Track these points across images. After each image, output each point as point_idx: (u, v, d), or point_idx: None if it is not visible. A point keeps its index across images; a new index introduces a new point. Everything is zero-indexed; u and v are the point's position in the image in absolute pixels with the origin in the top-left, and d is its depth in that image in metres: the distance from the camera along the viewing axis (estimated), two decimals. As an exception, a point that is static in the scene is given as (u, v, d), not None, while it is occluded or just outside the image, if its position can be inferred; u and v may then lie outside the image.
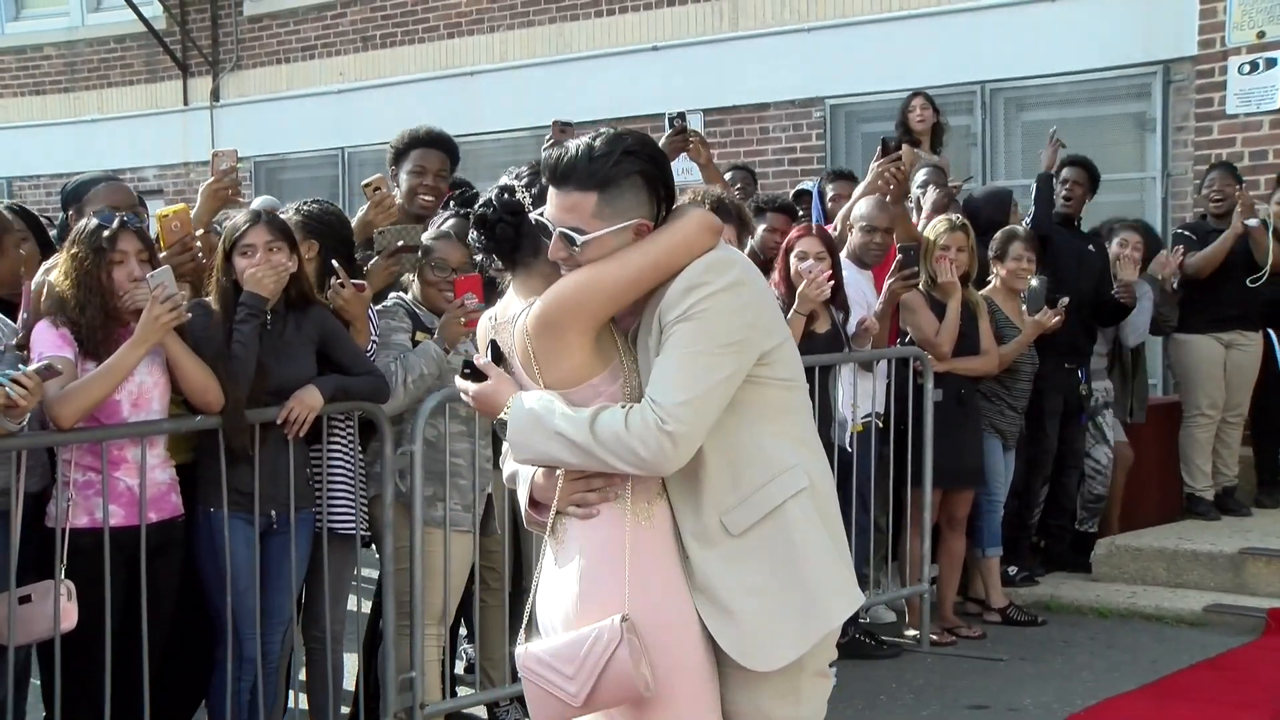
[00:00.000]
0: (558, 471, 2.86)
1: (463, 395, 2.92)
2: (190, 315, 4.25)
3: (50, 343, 4.11)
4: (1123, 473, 7.89)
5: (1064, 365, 7.16)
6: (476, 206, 2.95)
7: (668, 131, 6.37)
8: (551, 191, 2.81)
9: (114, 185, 5.11)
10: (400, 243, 5.15)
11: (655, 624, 2.77)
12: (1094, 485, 7.64)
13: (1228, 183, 7.87)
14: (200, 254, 4.76)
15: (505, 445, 3.07)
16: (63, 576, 4.08)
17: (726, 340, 2.74)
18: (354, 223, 5.29)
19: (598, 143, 2.78)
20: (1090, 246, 7.34)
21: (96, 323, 4.15)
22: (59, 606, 4.03)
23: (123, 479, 4.25)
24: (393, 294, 5.19)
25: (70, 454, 4.17)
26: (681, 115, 6.53)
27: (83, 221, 4.32)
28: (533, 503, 2.96)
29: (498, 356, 2.88)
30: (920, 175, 7.54)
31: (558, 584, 2.88)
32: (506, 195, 2.89)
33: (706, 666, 2.84)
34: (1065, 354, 7.12)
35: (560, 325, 2.77)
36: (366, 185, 5.35)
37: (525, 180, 2.91)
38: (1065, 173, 7.61)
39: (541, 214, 2.83)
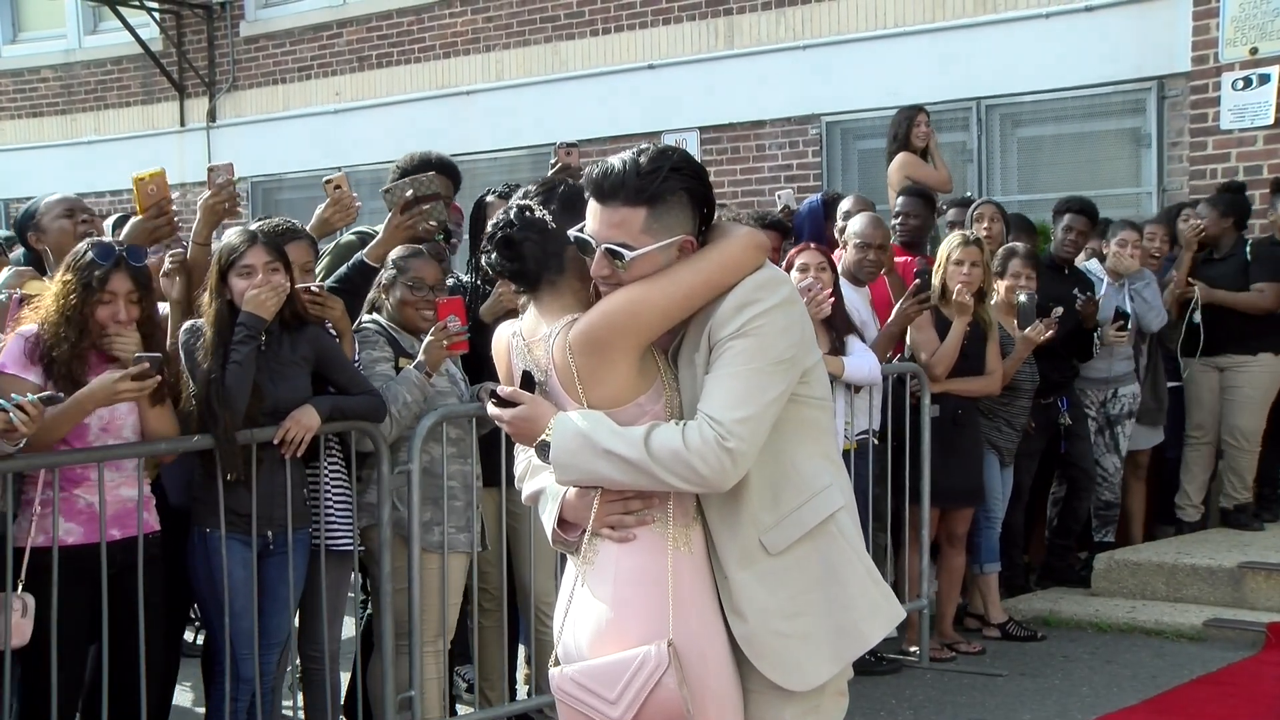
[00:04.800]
0: (592, 493, 2.83)
1: (497, 422, 2.85)
2: (152, 387, 4.12)
3: (16, 360, 4.07)
4: (1137, 481, 7.93)
5: (1040, 402, 7.12)
6: (495, 228, 2.89)
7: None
8: (596, 207, 2.78)
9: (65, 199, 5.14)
10: (411, 193, 5.02)
11: (691, 651, 2.76)
12: (1102, 492, 7.66)
13: (1210, 219, 7.85)
14: (176, 218, 4.73)
15: (520, 466, 3.05)
16: (19, 591, 4.03)
17: (779, 357, 2.74)
18: (311, 223, 5.26)
19: (644, 159, 2.76)
20: (1076, 290, 7.33)
21: (67, 357, 4.08)
22: (9, 621, 3.98)
23: (82, 496, 4.20)
24: (366, 315, 5.14)
25: (47, 476, 4.11)
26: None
27: (81, 246, 4.23)
28: (561, 522, 2.93)
29: (529, 384, 2.82)
30: (900, 203, 7.57)
31: (588, 608, 2.85)
32: (527, 214, 2.85)
33: (736, 693, 2.82)
34: (1041, 391, 7.05)
35: (608, 344, 2.74)
36: (328, 183, 5.27)
37: (540, 198, 2.87)
38: (1067, 219, 7.54)
39: (582, 229, 2.79)
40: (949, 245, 6.52)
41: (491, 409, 2.84)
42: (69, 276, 4.14)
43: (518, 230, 2.84)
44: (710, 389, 2.72)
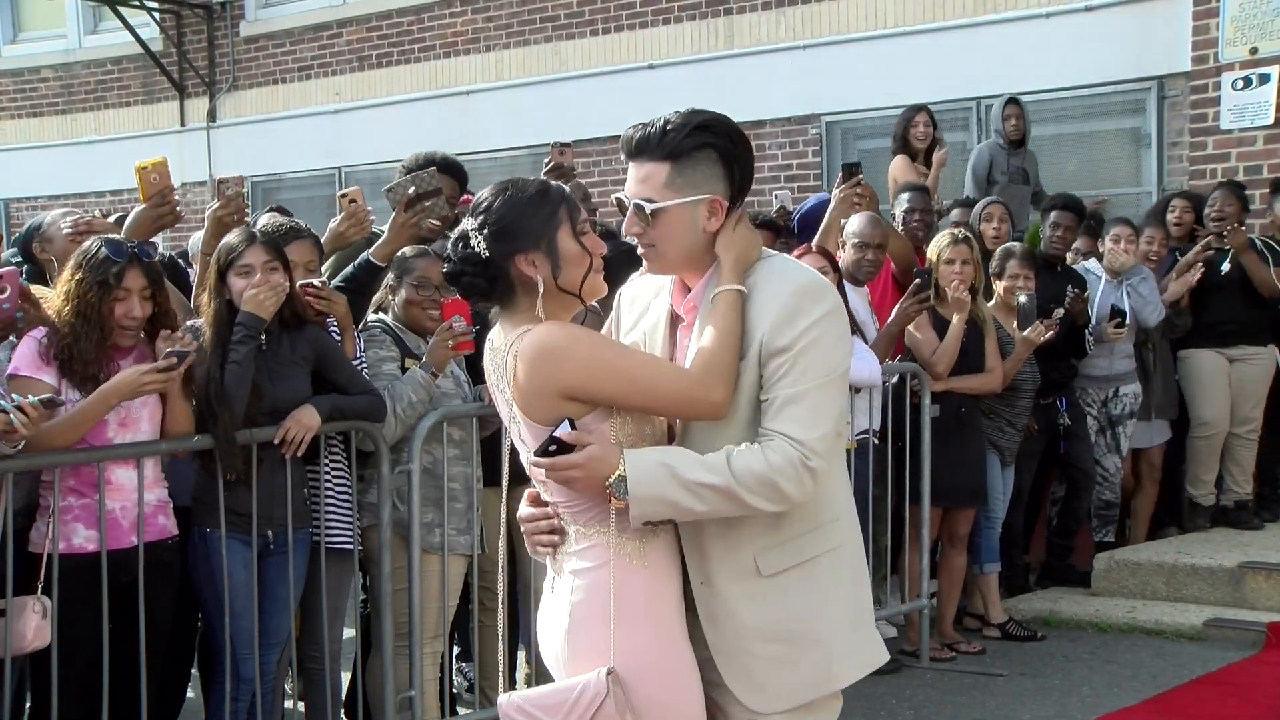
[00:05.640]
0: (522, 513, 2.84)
1: (558, 476, 2.72)
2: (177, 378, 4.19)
3: (30, 362, 4.08)
4: (1150, 483, 7.95)
5: (1039, 402, 7.11)
6: (443, 260, 2.91)
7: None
8: (630, 167, 2.82)
9: (73, 210, 5.15)
10: (413, 190, 5.03)
11: (637, 665, 2.73)
12: (1103, 492, 7.66)
13: (1229, 202, 7.85)
14: (179, 206, 4.74)
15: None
16: (39, 595, 4.05)
17: (839, 369, 2.74)
18: (325, 235, 5.27)
19: (673, 116, 2.80)
20: (1070, 286, 7.33)
21: (90, 355, 4.10)
22: (8, 625, 3.99)
23: (105, 502, 4.20)
24: (373, 314, 5.15)
25: (52, 477, 4.12)
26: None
27: (89, 244, 4.22)
28: None
29: (571, 425, 2.74)
30: (904, 199, 7.57)
31: (551, 616, 2.86)
32: (462, 246, 2.81)
33: (691, 705, 2.78)
34: (1041, 391, 7.05)
35: (538, 367, 2.70)
36: (343, 196, 5.30)
37: (479, 219, 2.81)
38: (1054, 216, 7.55)
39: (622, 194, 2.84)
40: (938, 245, 6.54)
41: (548, 462, 2.71)
42: (82, 275, 4.12)
43: (456, 265, 2.83)
44: (783, 408, 2.69)
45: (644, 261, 2.90)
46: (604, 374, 2.71)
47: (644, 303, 3.01)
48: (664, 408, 2.76)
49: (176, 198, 4.77)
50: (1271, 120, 8.57)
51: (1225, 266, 7.66)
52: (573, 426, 2.71)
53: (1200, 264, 7.75)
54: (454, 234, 2.88)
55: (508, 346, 2.79)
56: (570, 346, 2.71)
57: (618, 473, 2.69)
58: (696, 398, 2.71)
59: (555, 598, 2.85)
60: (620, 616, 2.73)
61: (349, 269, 5.12)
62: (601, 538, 2.77)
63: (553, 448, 2.71)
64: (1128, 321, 7.40)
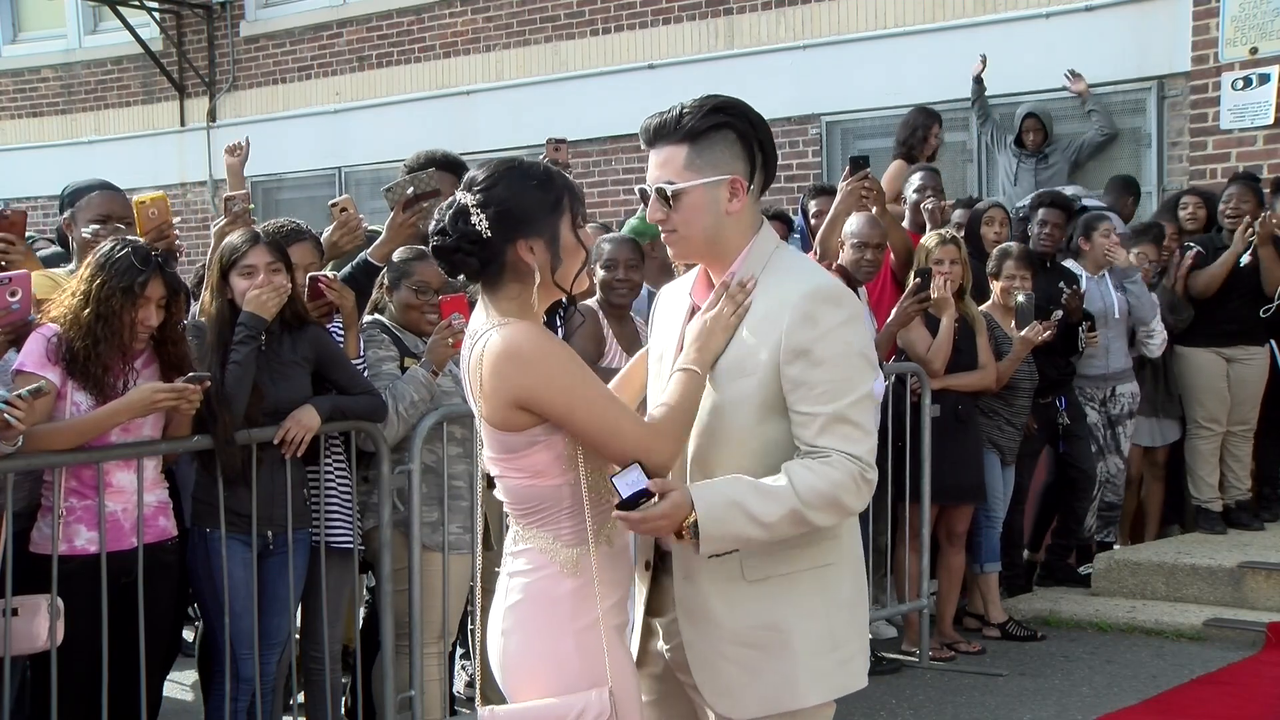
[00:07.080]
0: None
1: (645, 527, 2.65)
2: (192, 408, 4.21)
3: (36, 359, 4.07)
4: (1155, 481, 7.97)
5: (1039, 402, 7.11)
6: (432, 233, 2.77)
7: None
8: (650, 156, 2.82)
9: (108, 194, 4.95)
10: (411, 191, 5.05)
11: (576, 676, 2.72)
12: (1105, 493, 7.66)
13: (1245, 198, 7.81)
14: (177, 240, 4.74)
15: None
16: (54, 595, 4.06)
17: (869, 376, 2.75)
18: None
19: (689, 101, 2.81)
20: (1061, 284, 7.32)
21: (107, 360, 4.09)
22: (8, 625, 4.01)
23: (105, 504, 4.19)
24: (369, 315, 5.15)
25: (54, 478, 4.12)
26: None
27: (109, 246, 4.18)
28: None
29: (645, 471, 2.64)
30: (915, 180, 7.56)
31: (492, 616, 2.85)
32: (462, 222, 2.70)
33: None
34: (1038, 391, 7.03)
35: (503, 373, 2.64)
36: (334, 205, 5.30)
37: (480, 195, 2.72)
38: (1041, 213, 7.51)
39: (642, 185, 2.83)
40: (926, 245, 6.56)
41: (626, 514, 2.61)
42: (104, 278, 4.08)
43: (452, 240, 2.71)
44: (830, 426, 2.68)
45: (668, 248, 2.88)
46: (567, 395, 2.64)
47: (675, 303, 3.00)
48: (614, 446, 2.66)
49: (176, 233, 4.78)
50: (1271, 120, 8.57)
51: (1245, 258, 7.60)
52: (646, 474, 2.62)
53: (1190, 258, 7.70)
54: (441, 212, 2.75)
55: (479, 334, 2.72)
56: (540, 358, 2.65)
57: (692, 516, 2.63)
58: (650, 447, 2.66)
59: (495, 598, 2.84)
60: (547, 624, 2.72)
61: (346, 269, 5.12)
62: (539, 542, 2.75)
63: (644, 499, 2.61)
64: (1115, 318, 7.39)
